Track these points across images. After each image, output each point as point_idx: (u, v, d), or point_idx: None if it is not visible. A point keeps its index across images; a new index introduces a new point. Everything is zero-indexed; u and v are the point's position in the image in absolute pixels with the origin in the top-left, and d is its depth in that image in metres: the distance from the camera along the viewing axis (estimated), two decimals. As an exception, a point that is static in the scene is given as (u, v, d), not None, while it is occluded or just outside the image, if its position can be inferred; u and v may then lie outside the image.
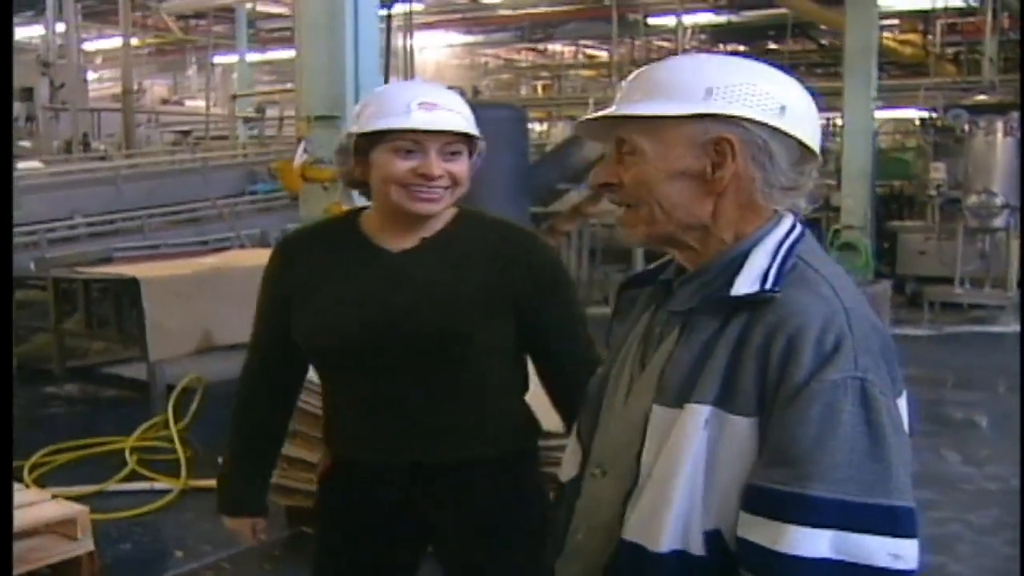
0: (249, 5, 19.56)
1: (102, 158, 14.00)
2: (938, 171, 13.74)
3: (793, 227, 1.75)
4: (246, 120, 18.15)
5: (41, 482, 6.15)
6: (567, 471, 2.00)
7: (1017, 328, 11.65)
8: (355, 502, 2.55)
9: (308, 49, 6.45)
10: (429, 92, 2.39)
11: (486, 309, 2.42)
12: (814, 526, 1.54)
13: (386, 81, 6.53)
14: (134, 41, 16.26)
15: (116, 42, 20.35)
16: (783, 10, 17.36)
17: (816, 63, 23.96)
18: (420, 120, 2.31)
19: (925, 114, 15.58)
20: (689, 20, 19.35)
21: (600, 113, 1.80)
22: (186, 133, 20.68)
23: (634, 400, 1.82)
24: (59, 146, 15.19)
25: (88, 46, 20.05)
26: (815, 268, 1.69)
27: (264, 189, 11.70)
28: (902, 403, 1.70)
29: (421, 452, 2.44)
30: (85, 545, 4.03)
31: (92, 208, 10.53)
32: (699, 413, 1.66)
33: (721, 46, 21.79)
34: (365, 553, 2.59)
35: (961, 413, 8.30)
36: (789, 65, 20.67)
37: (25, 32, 20.21)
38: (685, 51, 17.75)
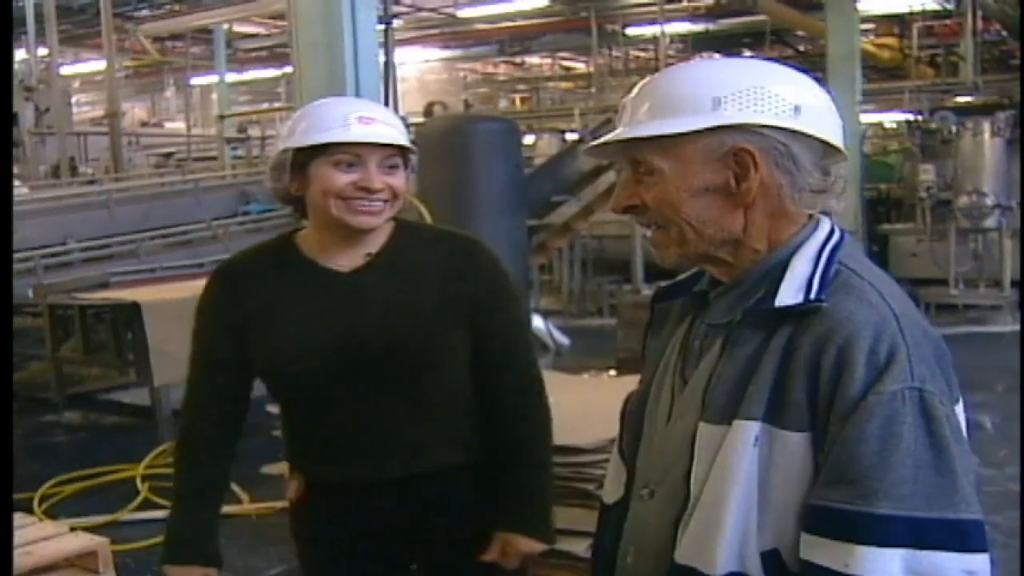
0: (226, 26, 19.47)
1: (91, 182, 13.92)
2: (927, 173, 13.77)
3: (832, 231, 1.70)
4: (229, 141, 18.06)
5: (52, 513, 6.11)
6: (611, 492, 1.96)
7: (1015, 327, 11.71)
8: (340, 523, 2.53)
9: (307, 67, 6.43)
10: (366, 107, 2.43)
11: (447, 319, 2.46)
12: (884, 545, 1.48)
13: (387, 98, 6.50)
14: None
15: (94, 66, 20.29)
16: (761, 17, 17.37)
17: (795, 69, 23.97)
18: (360, 133, 2.32)
19: (908, 117, 15.58)
20: (667, 30, 19.38)
21: (608, 137, 1.74)
22: (168, 155, 20.61)
23: (679, 417, 1.77)
24: (46, 171, 15.11)
25: (65, 70, 19.92)
26: (860, 274, 1.64)
27: (257, 209, 11.61)
28: (959, 409, 1.64)
29: (403, 465, 2.47)
30: (106, 579, 3.96)
31: (85, 232, 10.43)
32: (748, 430, 1.60)
33: (697, 55, 21.84)
34: (355, 573, 2.58)
35: (969, 415, 8.10)
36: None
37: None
38: (668, 61, 17.80)
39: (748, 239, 1.69)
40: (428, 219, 6.37)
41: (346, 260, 2.45)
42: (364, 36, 6.31)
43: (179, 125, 23.31)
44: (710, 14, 18.30)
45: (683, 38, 20.42)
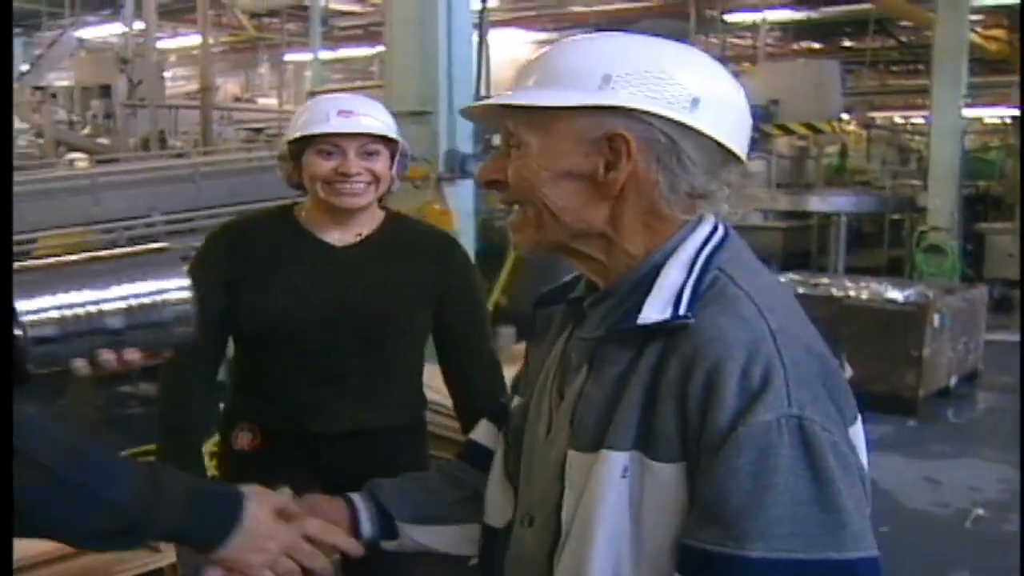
0: (323, 3, 19.50)
1: (180, 155, 13.98)
2: (1030, 171, 13.33)
3: (713, 231, 1.51)
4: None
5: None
6: (498, 515, 1.79)
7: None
8: (291, 470, 2.56)
9: (399, 45, 6.34)
10: (348, 102, 2.77)
11: (417, 300, 2.85)
12: None
13: (479, 77, 6.37)
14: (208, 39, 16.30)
15: (190, 40, 20.48)
16: (864, 6, 16.96)
17: (896, 60, 23.54)
18: (336, 125, 2.68)
19: (1013, 112, 15.15)
20: (768, 17, 19.02)
21: (482, 103, 1.60)
22: (258, 131, 20.74)
23: (553, 440, 1.59)
24: (136, 143, 15.24)
25: (162, 44, 20.15)
26: (737, 282, 1.47)
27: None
28: (857, 430, 1.46)
29: (353, 420, 2.81)
30: (168, 556, 3.86)
31: (171, 205, 10.43)
32: (615, 461, 1.44)
33: (796, 44, 21.49)
34: None
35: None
36: (869, 63, 20.50)
37: (103, 31, 20.43)
38: (766, 50, 17.48)
39: (619, 238, 1.52)
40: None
41: (339, 236, 2.82)
42: (458, 15, 6.20)
43: (271, 101, 23.45)
44: (813, 1, 17.90)
45: (783, 26, 19.99)
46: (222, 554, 1.71)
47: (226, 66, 26.27)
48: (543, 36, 22.64)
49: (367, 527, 1.91)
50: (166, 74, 20.54)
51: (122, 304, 1.83)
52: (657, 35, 1.52)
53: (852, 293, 9.11)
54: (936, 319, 8.47)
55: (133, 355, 1.85)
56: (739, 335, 1.38)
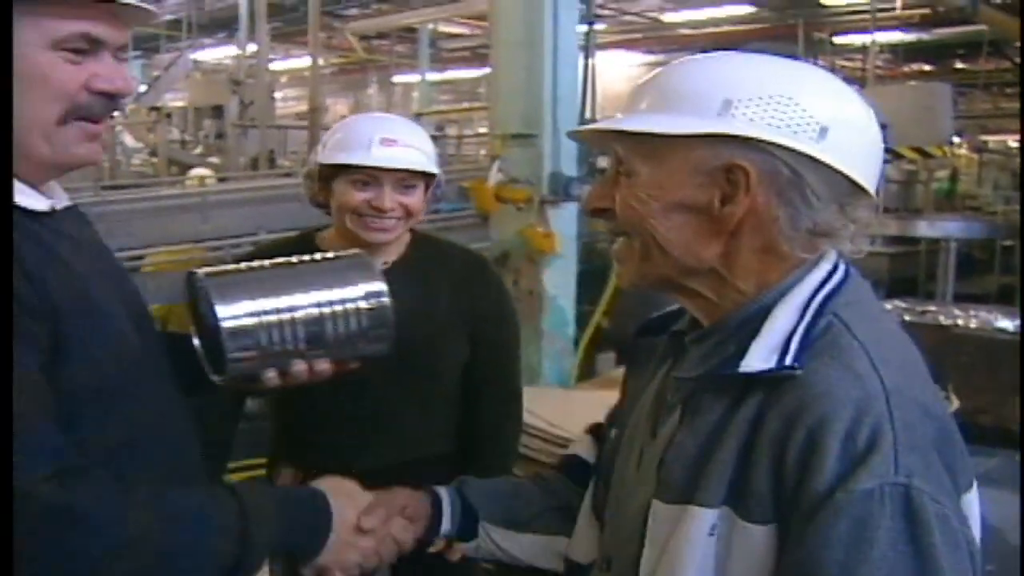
0: (431, 25, 19.68)
1: (287, 174, 14.18)
2: None
3: (833, 271, 1.38)
4: (426, 139, 18.30)
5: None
6: (579, 550, 1.70)
7: None
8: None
9: (505, 67, 6.35)
10: (390, 128, 2.58)
11: (454, 328, 2.70)
12: None
13: (584, 99, 6.37)
14: (319, 61, 16.56)
15: (301, 62, 20.77)
16: (978, 27, 16.61)
17: (1010, 82, 23.03)
18: (378, 157, 2.50)
19: None
20: (878, 39, 18.76)
21: (591, 126, 1.50)
22: (367, 151, 20.94)
23: (639, 485, 1.48)
24: (246, 162, 15.50)
25: (274, 66, 20.49)
26: (853, 331, 1.34)
27: (448, 207, 11.63)
28: (971, 498, 1.33)
29: (398, 453, 2.63)
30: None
31: (277, 224, 10.55)
32: (704, 519, 1.35)
33: (906, 66, 21.14)
34: None
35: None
36: (982, 85, 20.09)
37: (218, 53, 20.84)
38: (876, 72, 17.23)
39: (731, 275, 1.41)
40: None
41: None
42: (564, 37, 6.19)
43: (379, 122, 23.66)
44: (924, 23, 17.59)
45: (893, 48, 19.68)
46: (320, 560, 1.70)
47: (335, 87, 26.63)
48: (650, 59, 22.59)
49: (447, 524, 1.87)
50: (276, 95, 20.87)
51: (317, 312, 1.81)
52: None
53: (960, 322, 8.88)
54: (1047, 350, 8.24)
55: (324, 366, 1.86)
56: (848, 391, 1.28)
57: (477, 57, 21.96)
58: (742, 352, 1.36)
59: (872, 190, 1.40)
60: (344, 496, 1.76)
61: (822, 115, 1.35)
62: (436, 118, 20.04)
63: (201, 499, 1.57)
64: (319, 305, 1.82)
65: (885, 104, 13.16)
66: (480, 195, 6.32)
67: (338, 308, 1.83)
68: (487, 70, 21.69)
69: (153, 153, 16.80)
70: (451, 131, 19.32)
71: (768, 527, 1.30)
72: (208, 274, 1.82)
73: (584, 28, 6.74)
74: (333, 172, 2.57)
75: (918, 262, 14.09)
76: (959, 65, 22.22)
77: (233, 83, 14.94)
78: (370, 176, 2.52)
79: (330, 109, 23.81)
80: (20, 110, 1.51)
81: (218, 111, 15.54)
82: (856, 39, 19.35)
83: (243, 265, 1.91)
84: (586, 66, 6.55)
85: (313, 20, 15.02)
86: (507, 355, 2.88)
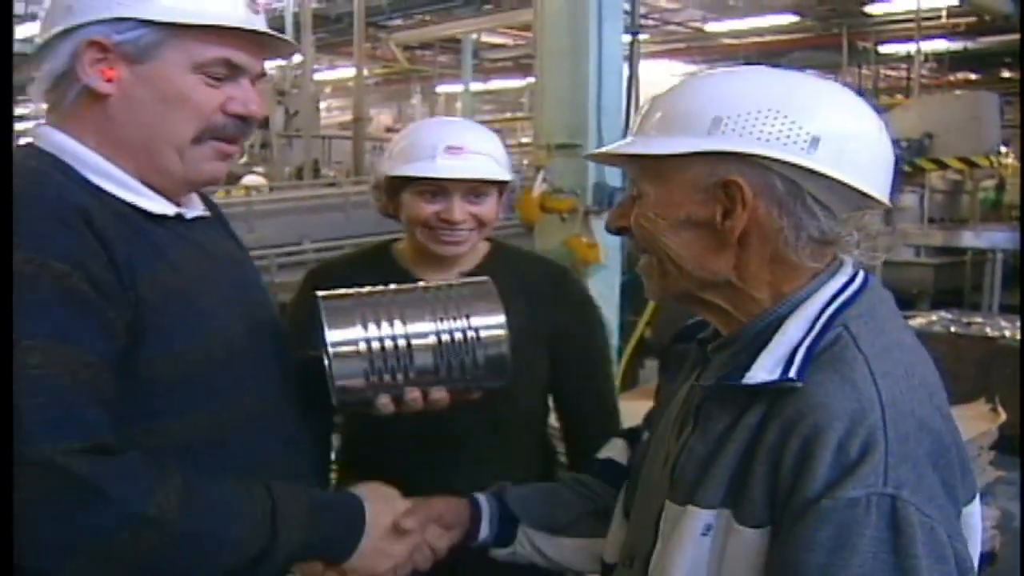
0: (474, 36, 19.75)
1: (332, 184, 14.26)
2: None
3: (850, 281, 1.42)
4: (470, 149, 18.36)
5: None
6: (612, 549, 1.75)
7: None
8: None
9: (550, 76, 6.37)
10: (457, 134, 2.41)
11: (532, 342, 2.43)
12: None
13: (628, 110, 6.38)
14: (363, 71, 16.65)
15: (346, 72, 20.91)
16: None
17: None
18: (443, 168, 2.35)
19: None
20: (923, 48, 18.66)
21: (602, 150, 1.54)
22: (408, 161, 21.02)
23: (658, 486, 1.53)
24: (290, 172, 15.59)
25: (319, 76, 20.61)
26: (859, 343, 1.37)
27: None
28: (973, 510, 1.37)
29: (467, 479, 2.28)
30: None
31: (321, 233, 10.63)
32: (698, 518, 1.40)
33: (952, 75, 21.00)
34: None
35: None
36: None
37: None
38: (921, 81, 17.14)
39: (745, 286, 1.45)
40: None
41: (439, 276, 2.43)
42: (609, 47, 6.21)
43: (423, 132, 23.78)
44: (969, 31, 17.49)
45: (938, 57, 19.57)
46: (350, 565, 1.71)
47: (379, 97, 26.78)
48: (692, 68, 22.58)
49: (486, 530, 1.91)
50: (321, 105, 20.99)
51: (429, 341, 1.78)
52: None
53: (1007, 333, 8.82)
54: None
55: (439, 394, 1.86)
56: (844, 403, 1.31)
57: (519, 67, 22.04)
58: (750, 364, 1.40)
59: (882, 197, 1.42)
60: (380, 501, 1.78)
61: (813, 125, 1.37)
62: (481, 128, 20.10)
63: (234, 492, 1.58)
64: (432, 335, 1.80)
65: (930, 114, 13.11)
66: (525, 205, 6.33)
67: (452, 338, 1.81)
68: (529, 80, 21.72)
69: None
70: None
71: (761, 531, 1.34)
72: (325, 297, 1.83)
73: (627, 38, 6.75)
74: (399, 184, 2.43)
75: (963, 273, 13.96)
76: (1005, 74, 22.05)
77: (278, 93, 15.03)
78: (437, 187, 2.39)
79: (374, 119, 23.95)
80: (160, 126, 1.64)
81: (263, 121, 15.66)
82: (901, 48, 19.23)
83: (362, 290, 1.88)
84: (631, 76, 6.56)
85: (358, 31, 15.15)
86: (597, 371, 2.67)
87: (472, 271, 2.46)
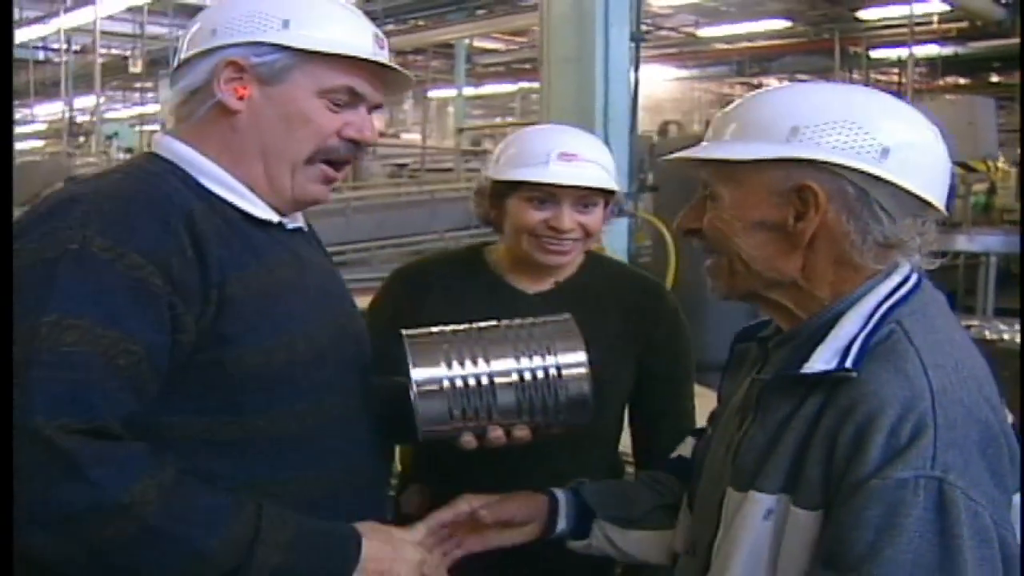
0: (467, 41, 19.80)
1: (332, 190, 14.25)
2: None
3: (904, 282, 1.50)
4: (463, 153, 18.40)
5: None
6: (680, 539, 1.84)
7: None
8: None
9: (556, 82, 6.37)
10: (569, 141, 2.37)
11: (620, 355, 2.43)
12: None
13: (633, 115, 6.41)
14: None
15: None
16: (1014, 40, 16.57)
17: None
18: (556, 174, 2.30)
19: None
20: (915, 52, 18.74)
21: (678, 155, 1.60)
22: (402, 166, 21.07)
23: (721, 476, 1.62)
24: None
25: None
26: (911, 337, 1.45)
27: (490, 223, 11.74)
28: (1016, 501, 1.42)
29: (537, 488, 2.24)
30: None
31: (323, 239, 10.62)
32: (760, 503, 1.49)
33: (942, 80, 21.08)
34: None
35: None
36: (1021, 98, 19.98)
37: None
38: (913, 85, 17.20)
39: (809, 286, 1.55)
40: (669, 240, 6.21)
41: (533, 284, 2.48)
42: (616, 53, 6.22)
43: (414, 136, 23.82)
44: (961, 36, 17.57)
45: (928, 61, 19.65)
46: None
47: (371, 102, 26.77)
48: (684, 73, 22.70)
49: (563, 523, 1.97)
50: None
51: (516, 379, 1.81)
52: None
53: (1007, 336, 8.86)
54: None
55: (522, 432, 1.91)
56: (896, 391, 1.39)
57: (512, 72, 22.11)
58: (810, 356, 1.48)
59: (940, 205, 1.52)
60: (380, 540, 1.77)
61: (884, 137, 1.47)
62: (473, 133, 20.12)
63: (221, 502, 1.59)
64: (515, 373, 1.82)
65: (927, 118, 13.19)
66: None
67: (534, 377, 1.82)
68: (523, 84, 21.68)
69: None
70: (488, 145, 19.38)
71: (816, 513, 1.42)
72: (411, 335, 1.88)
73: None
74: (507, 189, 2.38)
75: (956, 277, 14.03)
76: (995, 78, 22.15)
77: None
78: (547, 194, 2.34)
79: (366, 124, 24.01)
80: (279, 143, 1.77)
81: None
82: (892, 53, 19.31)
83: (446, 328, 1.91)
84: (636, 82, 6.60)
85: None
86: (680, 390, 2.58)
87: (565, 281, 2.48)
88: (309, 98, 1.77)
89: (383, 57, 1.82)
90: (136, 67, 18.22)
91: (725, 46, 19.94)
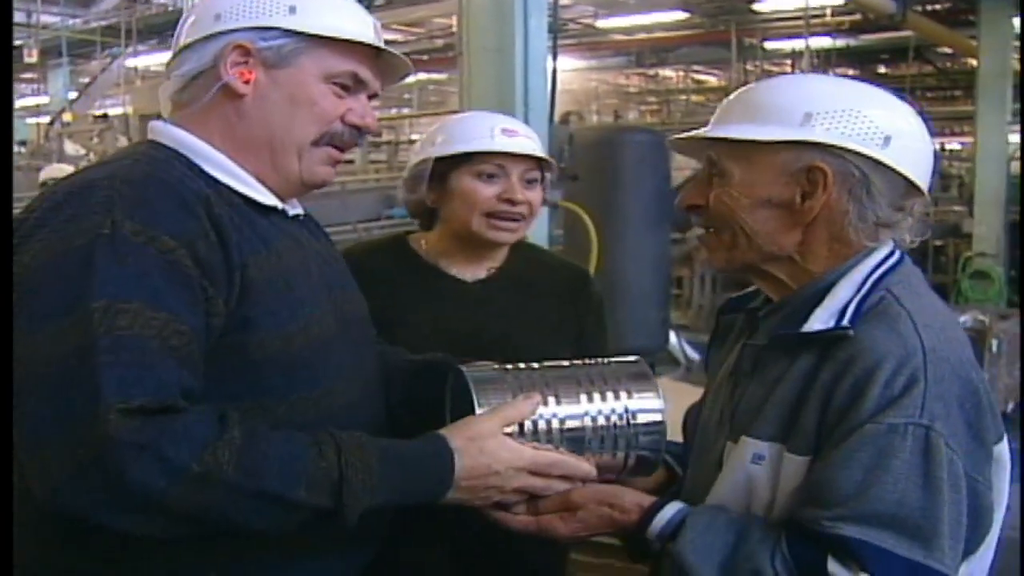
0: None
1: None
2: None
3: (889, 256, 1.65)
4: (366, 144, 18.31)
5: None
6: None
7: None
8: (431, 536, 2.23)
9: (477, 72, 6.39)
10: (509, 120, 2.48)
11: (556, 340, 2.45)
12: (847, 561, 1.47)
13: (552, 105, 6.47)
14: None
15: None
16: (902, 33, 16.97)
17: (932, 87, 23.54)
18: (504, 144, 2.35)
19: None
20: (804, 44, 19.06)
21: (692, 133, 1.73)
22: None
23: (718, 437, 1.77)
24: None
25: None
26: (901, 302, 1.59)
27: (400, 214, 11.68)
28: (1002, 448, 1.62)
29: None
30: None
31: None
32: (748, 446, 1.63)
33: (832, 71, 21.49)
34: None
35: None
36: (908, 89, 20.49)
37: (158, 59, 20.63)
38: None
39: (804, 260, 1.69)
40: (591, 228, 6.29)
41: (469, 271, 2.50)
42: (535, 43, 6.27)
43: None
44: (853, 29, 17.94)
45: (818, 53, 20.01)
46: (450, 497, 1.70)
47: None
48: (582, 64, 22.79)
49: (659, 525, 1.75)
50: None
51: (589, 422, 1.76)
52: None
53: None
54: (994, 344, 8.49)
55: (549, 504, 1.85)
56: (892, 347, 1.54)
57: (412, 63, 21.96)
58: (806, 318, 1.62)
59: (926, 188, 1.67)
60: (474, 452, 1.72)
61: (886, 126, 1.63)
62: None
63: (296, 448, 1.58)
64: (586, 416, 1.78)
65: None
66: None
67: (607, 421, 1.78)
68: (420, 76, 21.55)
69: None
70: (388, 136, 19.34)
71: (806, 458, 1.56)
72: (472, 371, 1.84)
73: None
74: (449, 167, 2.40)
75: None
76: (882, 70, 22.64)
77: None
78: (497, 166, 2.38)
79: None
80: (286, 126, 1.80)
81: (11, 114, 15.30)
82: (786, 44, 19.64)
83: (507, 366, 1.87)
84: (554, 72, 6.65)
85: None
86: None
87: (501, 267, 2.53)
88: (316, 83, 1.80)
89: (382, 46, 1.87)
90: (32, 56, 17.78)
91: (623, 37, 20.04)
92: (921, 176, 1.67)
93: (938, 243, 15.73)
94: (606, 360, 1.92)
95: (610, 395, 1.80)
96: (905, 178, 1.64)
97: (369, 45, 1.83)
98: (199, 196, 1.66)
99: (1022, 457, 5.75)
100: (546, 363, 1.88)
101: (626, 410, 1.79)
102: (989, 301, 13.06)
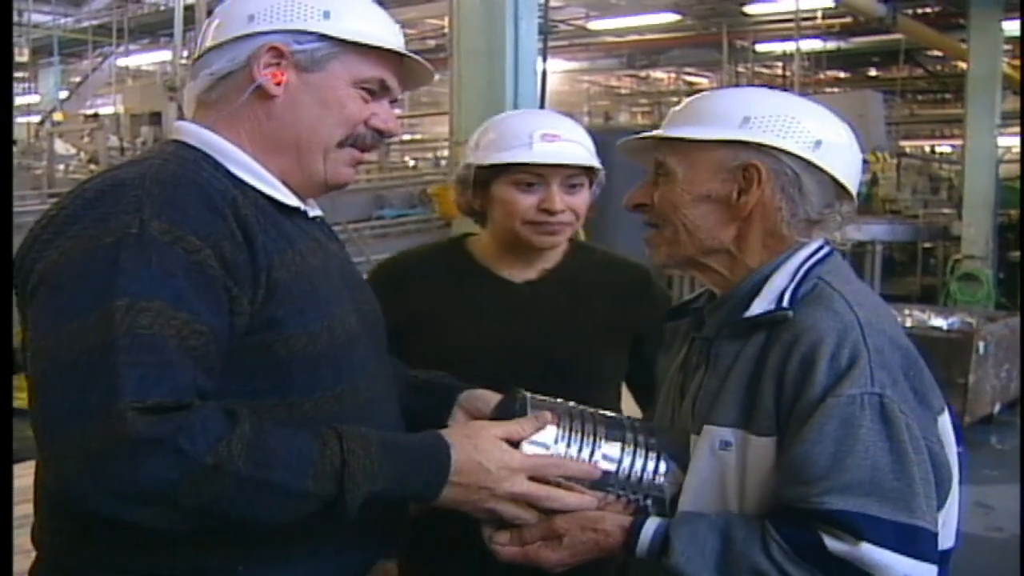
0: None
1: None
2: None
3: (818, 250, 1.79)
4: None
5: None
6: None
7: None
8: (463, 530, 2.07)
9: (467, 74, 6.40)
10: (550, 122, 2.39)
11: (610, 342, 2.47)
12: (837, 532, 1.54)
13: (542, 107, 6.49)
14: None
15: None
16: (893, 36, 17.03)
17: (922, 90, 23.64)
18: (542, 153, 2.30)
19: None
20: (794, 47, 19.12)
21: (641, 135, 1.87)
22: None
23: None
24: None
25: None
26: (833, 286, 1.72)
27: (390, 214, 11.76)
28: (944, 419, 1.72)
29: None
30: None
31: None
32: (714, 435, 1.71)
33: (822, 73, 21.55)
34: None
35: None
36: (899, 92, 20.55)
37: (148, 58, 20.68)
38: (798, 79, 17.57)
39: (741, 254, 1.81)
40: (580, 229, 6.32)
41: (520, 272, 2.47)
42: (525, 45, 6.28)
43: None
44: (844, 32, 18.01)
45: (808, 56, 20.07)
46: (440, 502, 1.72)
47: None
48: (573, 65, 22.84)
49: (642, 549, 1.76)
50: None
51: (614, 466, 1.81)
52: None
53: (908, 323, 9.15)
54: (981, 346, 8.56)
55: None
56: (831, 324, 1.64)
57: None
58: (748, 307, 1.75)
59: (853, 192, 1.80)
60: (468, 449, 1.74)
61: (817, 132, 1.76)
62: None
63: (302, 442, 1.61)
64: (617, 460, 1.82)
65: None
66: (443, 200, 6.40)
67: (637, 475, 1.82)
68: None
69: (92, 160, 16.60)
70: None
71: (771, 439, 1.65)
72: (534, 396, 1.89)
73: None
74: (490, 175, 2.36)
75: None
76: (873, 72, 22.72)
77: (170, 89, 14.81)
78: (535, 175, 2.32)
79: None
80: (314, 128, 1.83)
81: (155, 117, 15.36)
82: (777, 47, 19.71)
83: (569, 402, 1.91)
84: (544, 74, 6.67)
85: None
86: None
87: (552, 268, 2.47)
88: (345, 87, 1.84)
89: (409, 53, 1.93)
90: (22, 55, 17.78)
91: (615, 39, 20.10)
92: (850, 180, 1.79)
93: (927, 245, 15.82)
94: (657, 426, 1.94)
95: (645, 447, 1.83)
96: (834, 180, 1.76)
97: (397, 52, 1.88)
98: (226, 197, 1.69)
99: (1022, 457, 5.82)
100: (600, 411, 1.92)
101: (654, 472, 1.82)
102: (978, 303, 13.11)
